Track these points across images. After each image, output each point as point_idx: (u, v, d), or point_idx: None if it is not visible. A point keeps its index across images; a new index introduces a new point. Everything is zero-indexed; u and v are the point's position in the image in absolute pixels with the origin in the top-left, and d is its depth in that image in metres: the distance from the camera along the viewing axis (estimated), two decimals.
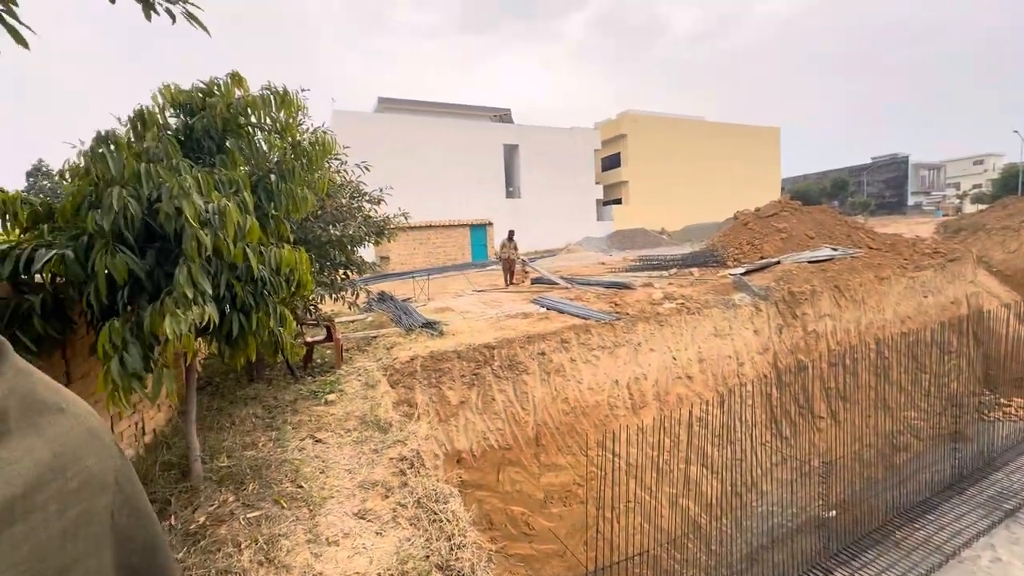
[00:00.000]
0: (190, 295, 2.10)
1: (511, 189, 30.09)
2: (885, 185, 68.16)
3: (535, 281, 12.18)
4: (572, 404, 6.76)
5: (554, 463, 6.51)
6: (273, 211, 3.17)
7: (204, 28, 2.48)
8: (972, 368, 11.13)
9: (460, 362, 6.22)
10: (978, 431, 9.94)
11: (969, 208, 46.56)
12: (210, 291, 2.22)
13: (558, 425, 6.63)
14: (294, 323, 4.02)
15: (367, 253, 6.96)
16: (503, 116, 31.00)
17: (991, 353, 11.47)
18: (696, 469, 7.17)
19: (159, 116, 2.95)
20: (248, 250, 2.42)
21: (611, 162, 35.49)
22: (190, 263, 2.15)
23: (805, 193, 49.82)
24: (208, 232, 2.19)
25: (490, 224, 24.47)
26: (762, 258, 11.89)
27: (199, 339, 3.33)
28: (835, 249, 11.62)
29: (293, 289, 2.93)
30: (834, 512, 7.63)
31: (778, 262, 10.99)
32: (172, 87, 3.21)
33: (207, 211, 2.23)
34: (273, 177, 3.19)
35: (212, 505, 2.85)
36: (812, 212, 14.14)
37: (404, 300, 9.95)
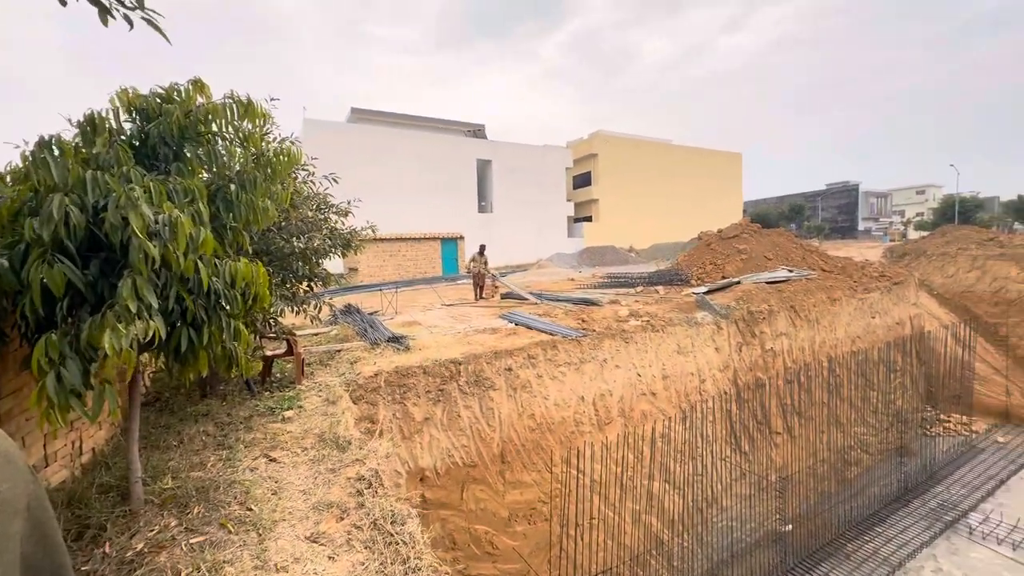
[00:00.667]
0: (133, 308, 2.00)
1: (484, 204, 30.26)
2: (838, 210, 72.08)
3: (505, 296, 12.21)
4: (538, 420, 6.76)
5: (519, 480, 6.46)
6: (232, 222, 3.08)
7: (164, 35, 2.42)
8: (915, 385, 11.78)
9: (426, 377, 6.13)
10: (922, 445, 10.48)
11: (913, 234, 49.72)
12: (156, 304, 2.12)
13: (524, 442, 6.60)
14: (251, 337, 3.88)
15: (333, 265, 6.83)
16: (477, 131, 31.29)
17: (932, 371, 12.17)
18: (659, 485, 7.25)
19: (112, 121, 2.83)
20: (200, 263, 2.34)
21: (582, 180, 36.24)
22: (136, 275, 2.06)
23: (764, 216, 52.09)
24: (157, 244, 2.11)
25: (461, 238, 24.49)
26: (724, 278, 12.32)
27: (146, 353, 3.17)
28: (791, 271, 12.16)
29: (250, 303, 2.84)
30: (790, 526, 7.85)
31: (738, 282, 11.40)
32: (129, 91, 3.10)
33: (156, 222, 2.14)
34: (233, 187, 3.11)
35: (152, 530, 2.68)
36: (771, 235, 14.79)
37: (371, 313, 9.77)
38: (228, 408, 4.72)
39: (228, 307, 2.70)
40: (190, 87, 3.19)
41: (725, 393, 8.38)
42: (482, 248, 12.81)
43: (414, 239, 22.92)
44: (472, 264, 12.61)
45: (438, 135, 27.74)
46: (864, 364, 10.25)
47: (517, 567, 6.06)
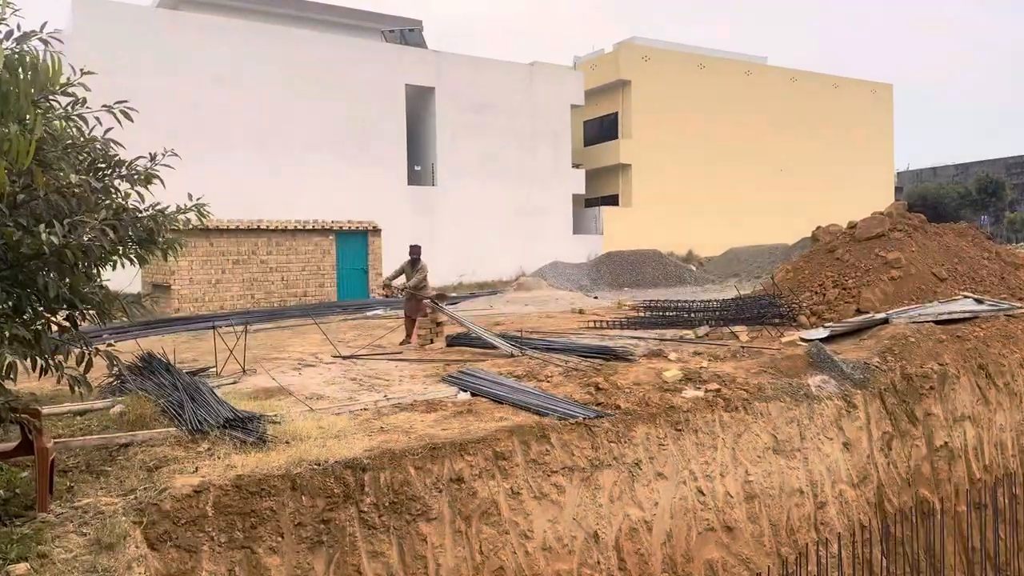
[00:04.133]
0: None
1: (418, 168, 30.32)
2: None
3: (454, 342, 12.18)
4: None
5: None
6: None
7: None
8: None
9: (297, 497, 6.02)
10: None
11: None
12: None
13: None
14: None
15: (123, 277, 6.72)
16: (407, 33, 31.55)
17: None
18: None
19: None
20: None
21: (602, 130, 36.83)
22: None
23: (932, 200, 53.83)
24: None
25: (376, 230, 24.39)
26: (859, 311, 12.59)
27: None
28: (981, 300, 12.53)
29: None
30: None
31: (886, 320, 11.68)
32: None
33: None
34: None
35: None
36: (943, 234, 15.26)
37: (195, 372, 9.58)
38: None
39: None
40: None
41: (863, 526, 8.49)
42: (416, 251, 12.82)
43: (286, 231, 22.72)
44: (395, 281, 12.61)
45: (334, 37, 27.83)
46: None
47: None
